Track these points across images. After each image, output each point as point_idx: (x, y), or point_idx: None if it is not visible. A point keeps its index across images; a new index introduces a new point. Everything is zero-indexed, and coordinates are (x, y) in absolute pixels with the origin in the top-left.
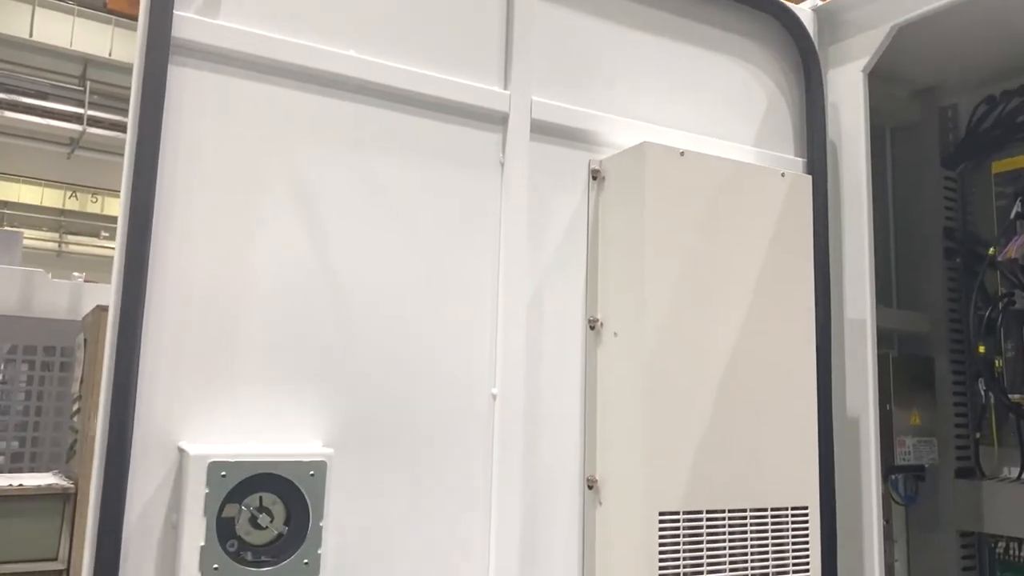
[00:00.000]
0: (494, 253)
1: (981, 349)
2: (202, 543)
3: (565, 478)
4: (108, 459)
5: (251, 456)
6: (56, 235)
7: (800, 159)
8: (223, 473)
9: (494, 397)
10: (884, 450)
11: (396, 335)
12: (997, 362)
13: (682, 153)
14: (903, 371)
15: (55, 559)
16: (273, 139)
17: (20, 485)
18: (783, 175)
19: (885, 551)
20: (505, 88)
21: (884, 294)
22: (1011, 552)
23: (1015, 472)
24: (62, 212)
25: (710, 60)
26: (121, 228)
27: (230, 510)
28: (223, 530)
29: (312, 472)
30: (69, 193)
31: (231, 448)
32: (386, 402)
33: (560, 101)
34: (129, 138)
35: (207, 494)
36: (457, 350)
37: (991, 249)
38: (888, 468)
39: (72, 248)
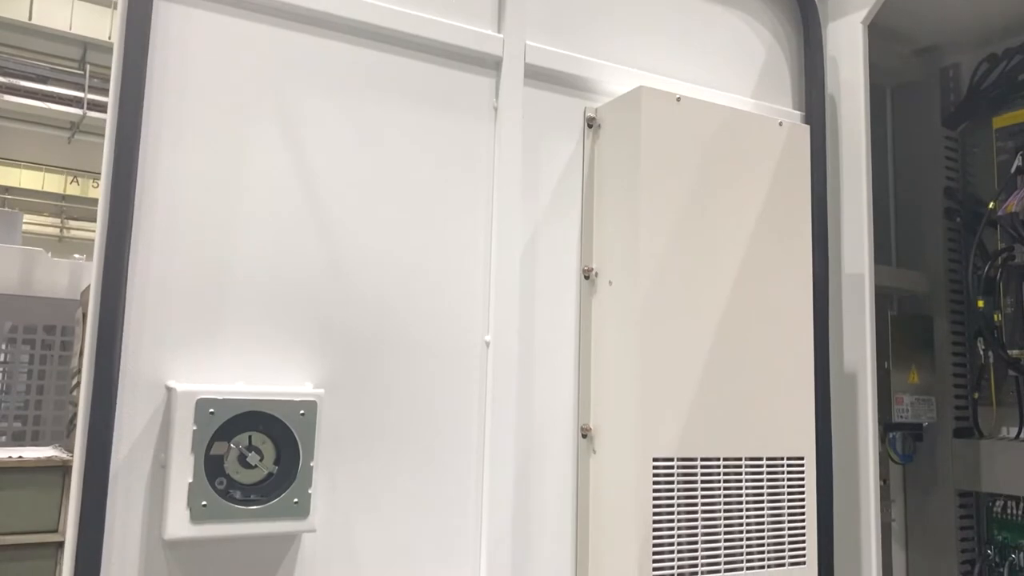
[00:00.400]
0: (487, 200)
1: (980, 304)
2: (190, 480)
3: (559, 427)
4: (95, 398)
5: (239, 394)
6: (58, 220)
7: (798, 112)
8: (211, 410)
9: (487, 344)
10: (882, 408)
11: (387, 280)
12: (996, 316)
13: (678, 99)
14: (901, 330)
15: (55, 531)
16: (263, 79)
17: (20, 457)
18: (780, 124)
19: (882, 510)
20: (499, 31)
21: (883, 253)
22: (1009, 511)
23: (1013, 432)
24: (63, 197)
25: (708, 9)
26: (106, 165)
27: (219, 448)
28: (211, 468)
29: (302, 412)
30: (70, 178)
31: (220, 386)
32: (377, 347)
33: (555, 47)
34: (114, 75)
35: (195, 431)
36: (450, 296)
37: (991, 203)
38: (886, 426)
39: (74, 233)
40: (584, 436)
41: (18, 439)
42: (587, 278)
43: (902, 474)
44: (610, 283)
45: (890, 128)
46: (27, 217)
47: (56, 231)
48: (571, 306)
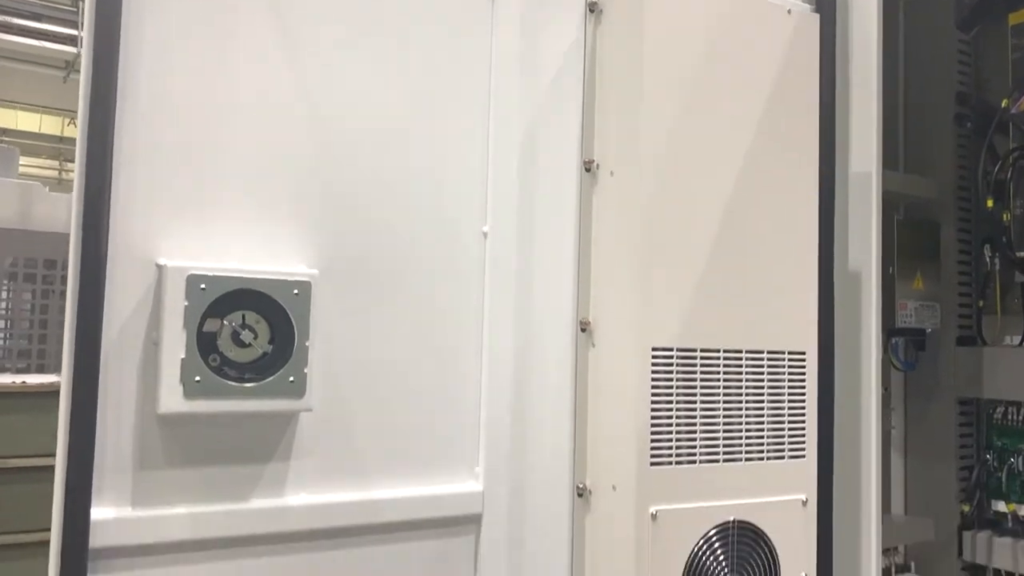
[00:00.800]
0: (485, 87)
1: (989, 203)
2: (183, 355)
3: (558, 320)
4: (83, 276)
5: (231, 271)
6: (56, 162)
7: (807, 3)
8: (202, 286)
9: (485, 235)
10: (885, 314)
11: (382, 167)
12: (1005, 216)
13: None
14: (908, 235)
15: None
16: None
17: (23, 383)
18: (789, 12)
19: (883, 419)
20: None
21: (891, 158)
22: (1009, 417)
23: (1017, 340)
24: (60, 139)
25: None
26: (87, 34)
27: (211, 325)
28: (204, 344)
29: (296, 291)
30: (67, 120)
31: (211, 263)
32: (372, 234)
33: None
34: None
35: (186, 307)
36: (447, 185)
37: (1004, 101)
38: (889, 332)
39: (72, 175)
40: (583, 330)
41: (23, 370)
42: (588, 170)
43: (903, 383)
44: (611, 174)
45: (902, 31)
46: (25, 159)
47: (54, 173)
48: (571, 199)
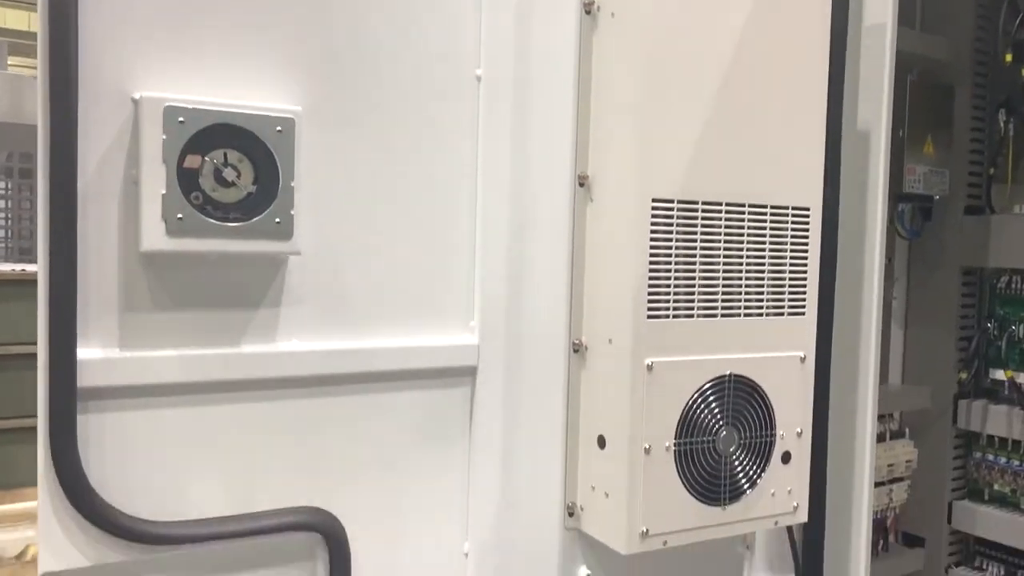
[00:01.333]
0: None
1: (1008, 58)
2: (163, 191)
3: (555, 176)
4: (53, 106)
5: (211, 104)
6: None
7: None
8: (180, 119)
9: (478, 79)
10: (893, 177)
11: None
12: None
13: None
14: (921, 97)
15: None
16: None
17: (23, 270)
18: None
19: (885, 288)
20: None
21: (908, 14)
22: (1013, 286)
23: None
24: None
25: None
26: None
27: (192, 161)
28: (185, 181)
29: (279, 128)
30: None
31: (189, 95)
32: (359, 74)
33: None
34: None
35: (164, 140)
36: (438, 22)
37: None
38: (896, 197)
39: None
40: (581, 185)
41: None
42: (588, 12)
43: (907, 253)
44: (612, 16)
45: None
46: (14, 59)
47: None
48: (570, 44)
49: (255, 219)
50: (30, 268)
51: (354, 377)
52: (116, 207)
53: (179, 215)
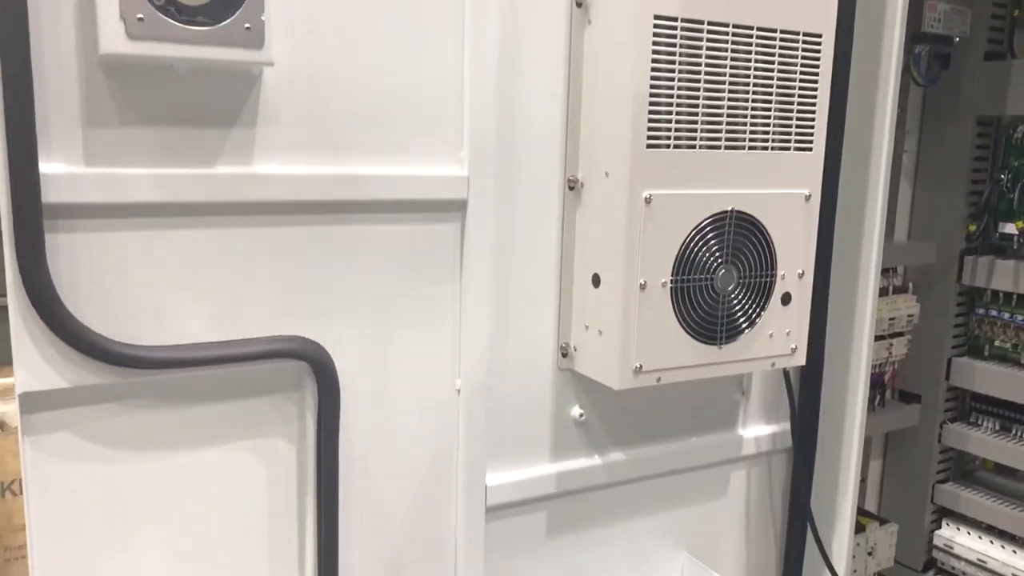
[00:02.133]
0: None
1: None
2: None
3: None
4: None
5: None
6: None
7: None
8: None
9: None
10: (912, 11)
11: None
12: None
13: None
14: None
15: None
16: None
17: None
18: None
19: (896, 140)
20: None
21: None
22: None
23: None
24: None
25: None
26: None
27: None
28: None
29: None
30: None
31: None
32: None
33: None
34: None
35: None
36: None
37: None
38: (913, 37)
39: None
40: (579, 5)
41: None
42: None
43: (921, 103)
44: None
45: None
46: None
47: None
48: None
49: (223, 23)
50: None
51: (336, 206)
52: (72, 10)
53: (139, 15)
